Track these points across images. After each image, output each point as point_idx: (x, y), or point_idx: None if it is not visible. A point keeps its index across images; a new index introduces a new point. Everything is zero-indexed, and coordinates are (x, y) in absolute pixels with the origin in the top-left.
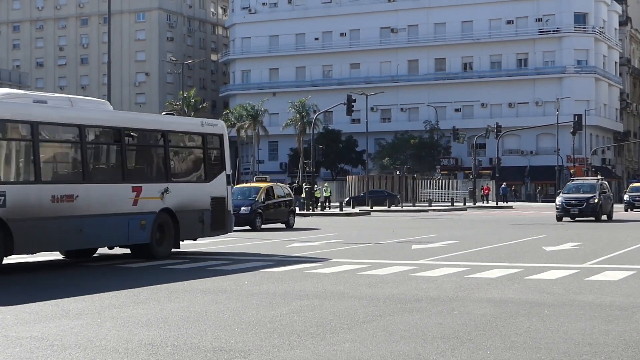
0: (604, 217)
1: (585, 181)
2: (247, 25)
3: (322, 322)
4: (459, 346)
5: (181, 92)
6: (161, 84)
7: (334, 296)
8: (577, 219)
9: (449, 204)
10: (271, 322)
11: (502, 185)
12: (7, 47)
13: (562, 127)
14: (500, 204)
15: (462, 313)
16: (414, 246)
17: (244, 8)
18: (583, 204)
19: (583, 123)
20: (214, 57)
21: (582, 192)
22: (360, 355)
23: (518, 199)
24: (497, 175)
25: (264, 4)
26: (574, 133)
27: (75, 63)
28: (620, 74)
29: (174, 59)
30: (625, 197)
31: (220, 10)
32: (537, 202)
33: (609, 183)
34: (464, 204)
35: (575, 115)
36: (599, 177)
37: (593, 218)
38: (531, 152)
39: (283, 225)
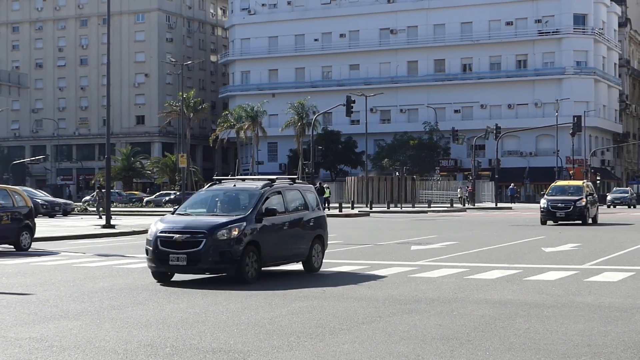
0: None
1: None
2: (246, 26)
3: (321, 323)
4: (458, 347)
5: (181, 93)
6: (160, 85)
7: (333, 297)
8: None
9: (449, 205)
10: (270, 323)
11: (510, 186)
12: (7, 48)
13: (562, 128)
14: (500, 204)
15: (462, 314)
16: (413, 247)
17: (243, 9)
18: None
19: (582, 124)
20: (213, 58)
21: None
22: (359, 357)
23: (517, 200)
24: (497, 176)
25: (263, 5)
26: (573, 134)
27: (74, 64)
28: (620, 75)
29: (173, 60)
30: (542, 202)
31: (219, 11)
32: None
33: (608, 184)
34: (451, 206)
35: (574, 116)
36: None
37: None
38: (530, 153)
39: (12, 248)
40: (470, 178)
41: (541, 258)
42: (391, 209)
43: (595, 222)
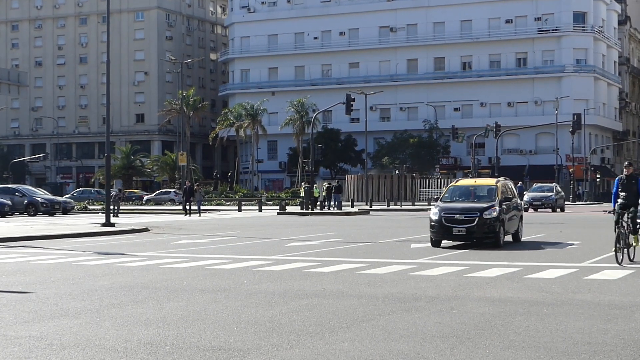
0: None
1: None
2: (246, 25)
3: (321, 321)
4: (458, 345)
5: (180, 92)
6: (160, 84)
7: (333, 295)
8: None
9: None
10: (270, 321)
11: (518, 185)
12: (6, 46)
13: (561, 126)
14: None
15: (461, 312)
16: (413, 245)
17: (243, 7)
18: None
19: (582, 122)
20: (213, 56)
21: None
22: (359, 354)
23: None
24: (497, 174)
25: (262, 3)
26: (573, 132)
27: (74, 62)
28: (619, 73)
29: (173, 58)
30: (433, 212)
31: (219, 9)
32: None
33: (607, 182)
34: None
35: (574, 114)
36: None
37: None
38: (530, 151)
39: None
40: (470, 176)
41: (541, 256)
42: (391, 207)
43: (517, 240)
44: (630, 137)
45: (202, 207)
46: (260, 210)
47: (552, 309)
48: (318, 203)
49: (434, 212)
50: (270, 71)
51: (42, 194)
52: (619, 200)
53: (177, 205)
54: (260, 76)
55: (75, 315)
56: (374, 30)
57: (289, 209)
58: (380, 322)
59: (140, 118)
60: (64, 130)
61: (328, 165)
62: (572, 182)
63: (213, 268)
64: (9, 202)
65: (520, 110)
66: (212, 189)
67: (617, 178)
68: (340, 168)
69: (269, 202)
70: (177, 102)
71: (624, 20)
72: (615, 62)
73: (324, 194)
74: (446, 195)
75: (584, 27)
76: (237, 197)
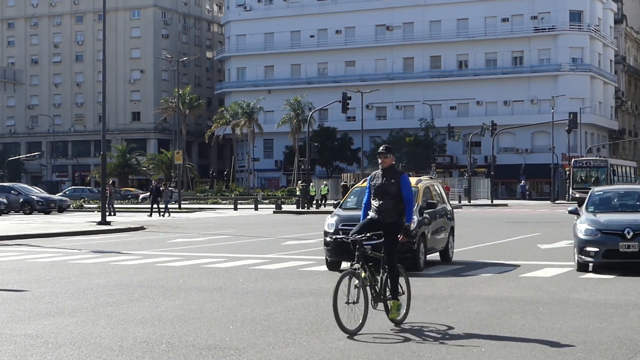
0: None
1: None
2: (242, 23)
3: (317, 320)
4: (454, 344)
5: (176, 90)
6: (156, 82)
7: (329, 294)
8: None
9: None
10: (266, 320)
11: (522, 183)
12: (2, 44)
13: (557, 125)
14: (496, 202)
15: (457, 311)
16: None
17: (239, 5)
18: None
19: (578, 121)
20: (209, 54)
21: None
22: (354, 353)
23: (512, 197)
24: (492, 173)
25: (259, 1)
26: (569, 131)
27: (70, 60)
28: (616, 72)
29: (169, 56)
30: (328, 222)
31: (215, 8)
32: (528, 199)
33: None
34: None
35: (570, 113)
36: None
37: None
38: (526, 150)
39: None
40: (466, 175)
41: (537, 255)
42: None
43: (446, 259)
44: (626, 136)
45: (198, 206)
46: (256, 208)
47: (547, 308)
48: (314, 202)
49: (329, 224)
50: (266, 69)
51: (37, 192)
52: (370, 214)
53: (173, 203)
54: (257, 74)
55: (71, 313)
56: (371, 28)
57: (285, 207)
58: (376, 320)
59: (136, 116)
60: (59, 129)
61: (324, 164)
62: (567, 181)
63: (209, 267)
64: (5, 200)
65: (517, 108)
66: (208, 187)
67: (368, 177)
68: (336, 166)
69: (265, 201)
70: (173, 100)
71: (620, 19)
72: (611, 60)
73: (322, 193)
74: (349, 199)
75: (580, 25)
76: (233, 195)
